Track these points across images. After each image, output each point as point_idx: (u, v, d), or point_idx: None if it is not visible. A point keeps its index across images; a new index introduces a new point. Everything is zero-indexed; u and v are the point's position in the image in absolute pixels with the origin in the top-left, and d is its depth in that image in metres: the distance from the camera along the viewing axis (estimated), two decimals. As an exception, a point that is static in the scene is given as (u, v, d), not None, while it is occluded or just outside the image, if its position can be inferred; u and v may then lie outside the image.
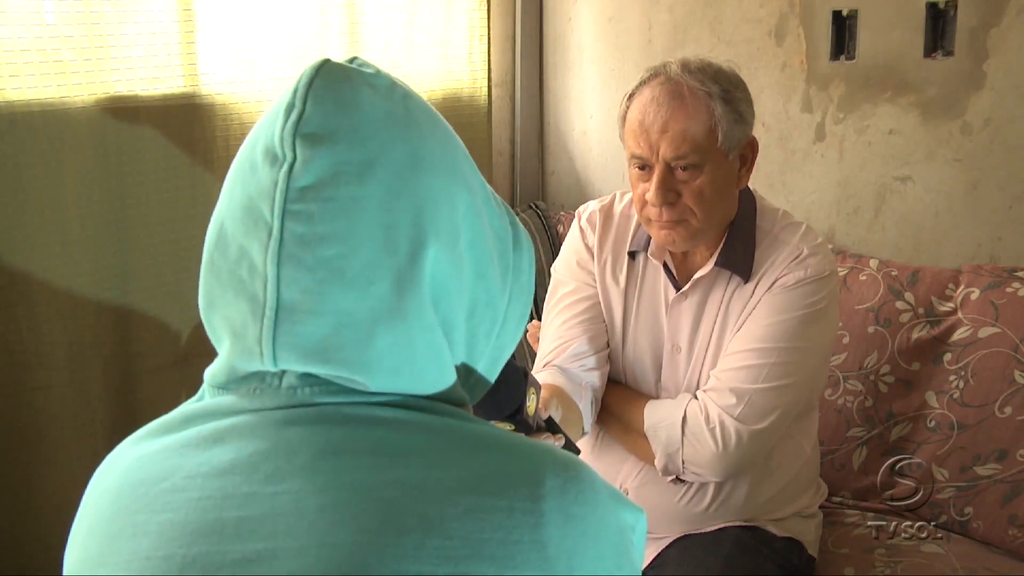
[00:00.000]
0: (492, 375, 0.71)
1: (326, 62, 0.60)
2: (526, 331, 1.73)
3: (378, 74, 0.62)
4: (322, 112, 0.58)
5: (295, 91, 0.59)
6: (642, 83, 1.33)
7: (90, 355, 1.62)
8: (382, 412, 0.60)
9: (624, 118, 1.34)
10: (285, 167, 0.57)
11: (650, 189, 1.30)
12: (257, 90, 1.82)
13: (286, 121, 0.58)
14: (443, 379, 0.63)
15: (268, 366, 0.59)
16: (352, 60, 0.63)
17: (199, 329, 1.79)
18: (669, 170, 1.29)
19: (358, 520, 0.55)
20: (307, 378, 0.60)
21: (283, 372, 0.61)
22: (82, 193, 1.56)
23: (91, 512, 0.64)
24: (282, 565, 0.54)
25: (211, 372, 0.65)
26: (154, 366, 1.73)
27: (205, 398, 0.66)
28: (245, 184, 0.60)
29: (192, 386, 0.69)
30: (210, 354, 0.65)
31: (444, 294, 0.61)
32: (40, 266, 1.51)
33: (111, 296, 1.66)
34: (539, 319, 1.55)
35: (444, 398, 0.64)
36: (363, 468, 0.57)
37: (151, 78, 1.65)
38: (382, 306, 0.58)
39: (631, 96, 1.33)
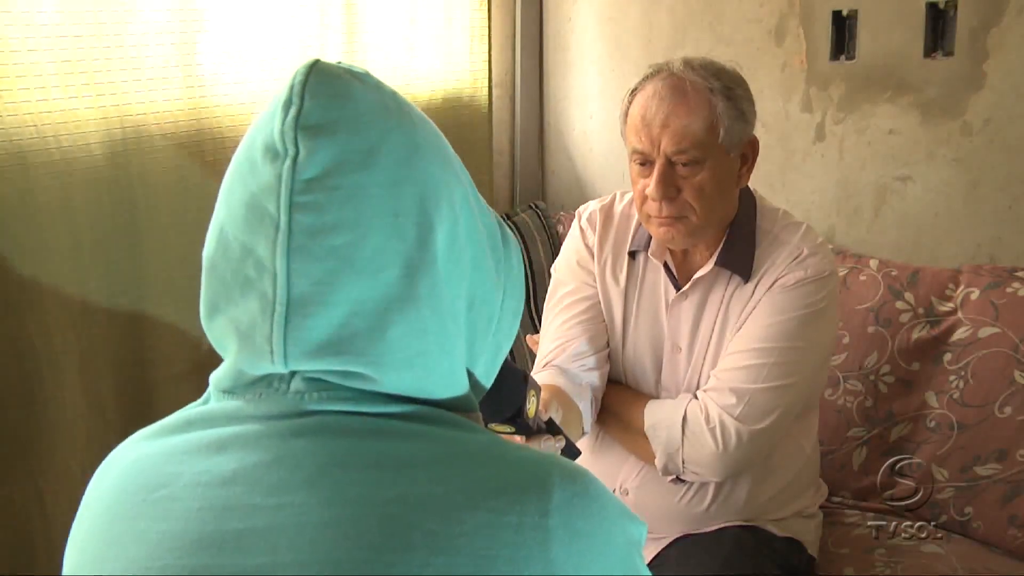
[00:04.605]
0: (491, 375, 0.70)
1: (317, 61, 0.61)
2: (520, 335, 1.73)
3: (366, 73, 0.63)
4: (320, 105, 0.59)
5: (291, 88, 0.59)
6: (645, 79, 1.33)
7: (102, 364, 1.58)
8: (388, 424, 0.60)
9: (626, 114, 1.34)
10: (288, 161, 0.57)
11: (650, 184, 1.30)
12: (261, 91, 1.82)
13: (285, 116, 0.58)
14: (454, 377, 0.63)
15: (278, 366, 0.59)
16: (338, 63, 0.64)
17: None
18: (670, 164, 1.29)
19: (362, 536, 0.54)
20: (315, 383, 0.60)
21: (291, 375, 0.60)
22: (92, 198, 1.55)
23: (91, 513, 0.64)
24: None
25: (217, 376, 0.64)
26: (170, 375, 1.69)
27: (210, 401, 0.65)
28: (246, 184, 0.59)
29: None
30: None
31: (448, 282, 0.61)
32: (50, 272, 1.50)
33: (123, 303, 1.62)
34: (540, 320, 1.55)
35: (454, 405, 0.63)
36: (367, 482, 0.56)
37: (157, 79, 1.65)
38: (393, 292, 0.58)
39: (634, 91, 1.34)
